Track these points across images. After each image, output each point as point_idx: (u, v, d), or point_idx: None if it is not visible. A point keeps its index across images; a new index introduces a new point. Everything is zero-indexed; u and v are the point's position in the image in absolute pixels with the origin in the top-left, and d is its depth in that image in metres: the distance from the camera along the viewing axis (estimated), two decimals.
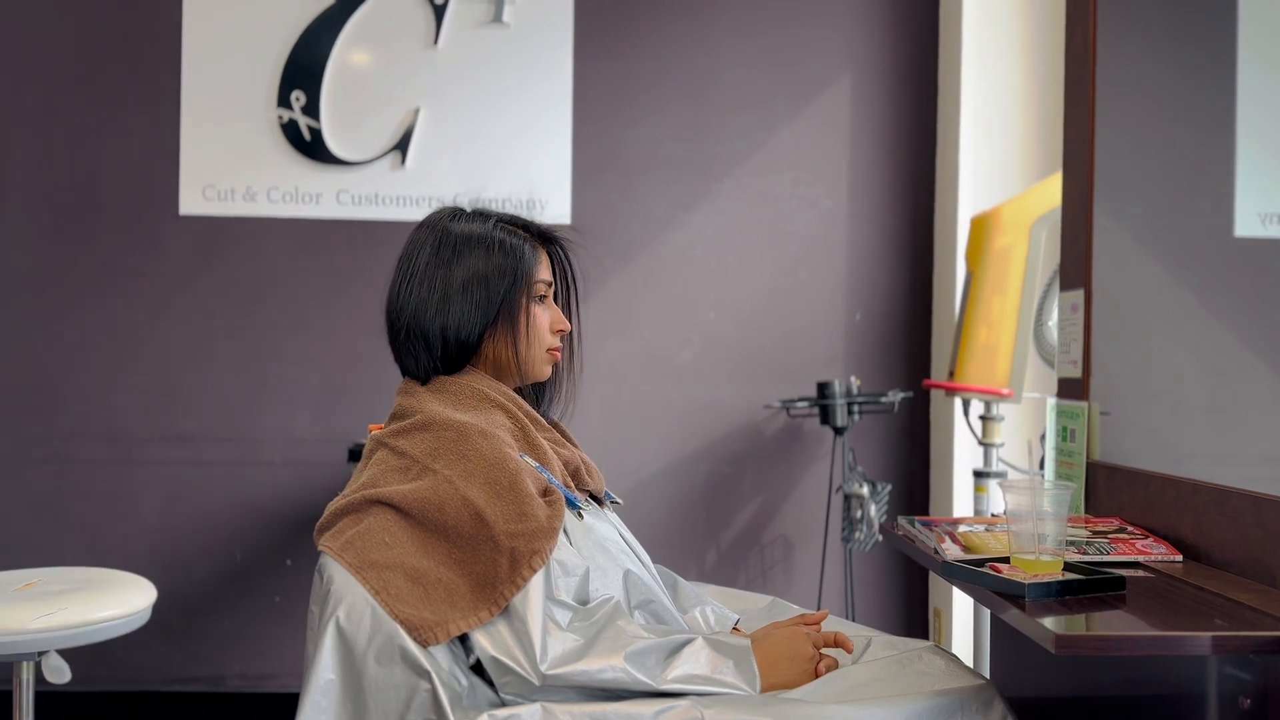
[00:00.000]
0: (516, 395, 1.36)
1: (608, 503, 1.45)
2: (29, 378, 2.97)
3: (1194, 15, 1.76)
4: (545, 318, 1.39)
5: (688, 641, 1.19)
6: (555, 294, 1.45)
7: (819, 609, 2.93)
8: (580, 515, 1.30)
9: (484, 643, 1.14)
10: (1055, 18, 2.86)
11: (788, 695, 1.18)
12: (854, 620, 2.94)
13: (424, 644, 1.12)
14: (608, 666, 1.13)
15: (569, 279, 1.48)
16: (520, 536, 1.16)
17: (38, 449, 2.97)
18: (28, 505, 2.97)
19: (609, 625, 1.17)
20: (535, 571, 1.15)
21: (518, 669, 1.12)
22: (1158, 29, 1.74)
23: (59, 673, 1.87)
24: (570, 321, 1.45)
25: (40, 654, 1.86)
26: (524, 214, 1.48)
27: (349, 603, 1.15)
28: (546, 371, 1.42)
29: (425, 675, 1.11)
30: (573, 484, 1.36)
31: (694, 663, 1.17)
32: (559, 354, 1.43)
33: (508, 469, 1.21)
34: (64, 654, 1.88)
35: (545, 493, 1.24)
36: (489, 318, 1.33)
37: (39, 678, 1.90)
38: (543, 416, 1.42)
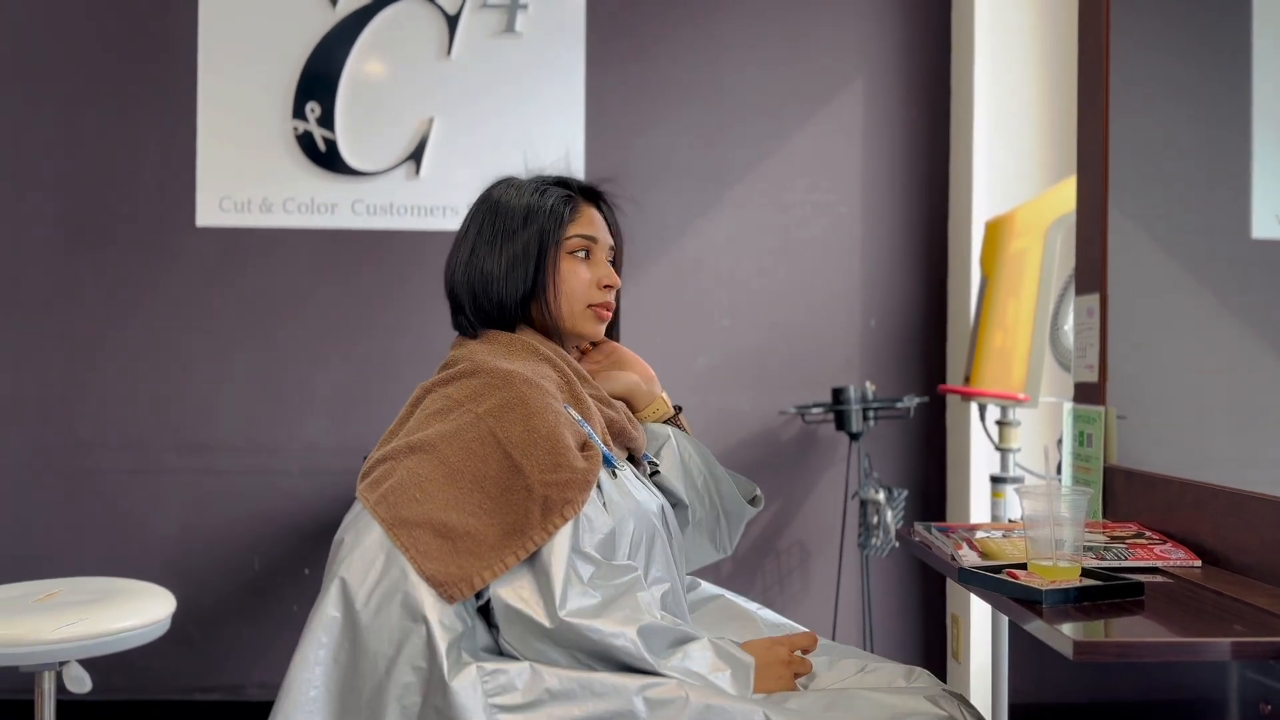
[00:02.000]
0: (564, 352, 1.38)
1: (645, 463, 1.44)
2: (47, 388, 3.00)
3: (1208, 14, 1.75)
4: (584, 273, 1.38)
5: (696, 638, 1.20)
6: (616, 253, 1.45)
7: (835, 616, 2.93)
8: (614, 474, 1.29)
9: (500, 591, 1.14)
10: (1068, 19, 2.85)
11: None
12: (872, 629, 2.93)
13: (450, 600, 1.13)
14: (620, 633, 1.13)
15: (615, 233, 1.47)
16: (554, 485, 1.17)
17: (56, 459, 3.00)
18: (47, 515, 2.99)
19: (628, 593, 1.18)
20: (566, 520, 1.16)
21: (530, 614, 1.13)
22: (1171, 29, 1.73)
23: (80, 682, 1.89)
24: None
25: (61, 664, 1.88)
26: None
27: (364, 545, 1.17)
28: (595, 329, 1.41)
29: (422, 620, 1.11)
30: (612, 443, 1.35)
31: (697, 660, 1.18)
32: (607, 310, 1.41)
33: (547, 419, 1.22)
34: (84, 664, 1.90)
35: (583, 446, 1.24)
36: (525, 280, 1.36)
37: (60, 687, 1.92)
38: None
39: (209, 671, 3.00)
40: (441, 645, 1.10)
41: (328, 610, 1.15)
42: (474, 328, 1.38)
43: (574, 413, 1.30)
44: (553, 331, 1.38)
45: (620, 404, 1.42)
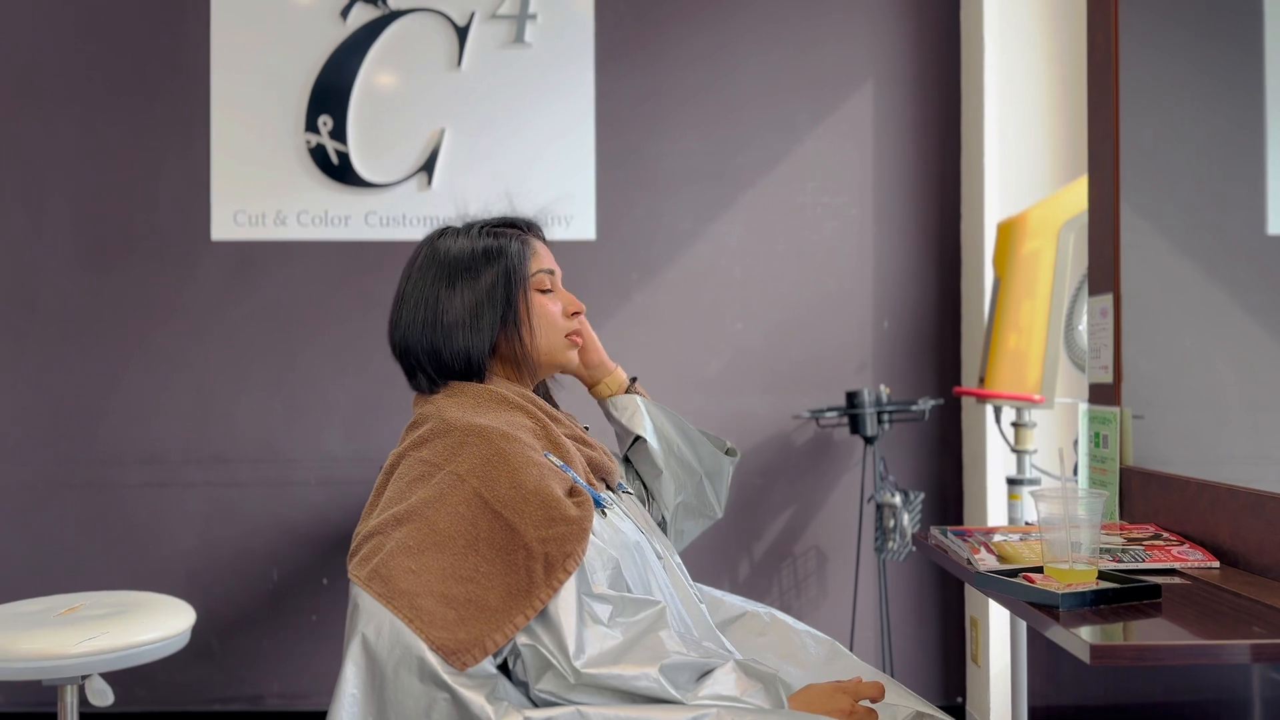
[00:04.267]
0: (534, 395, 1.37)
1: (620, 491, 1.44)
2: (67, 403, 3.03)
3: (1218, 12, 1.74)
4: (555, 305, 1.41)
5: (720, 663, 1.19)
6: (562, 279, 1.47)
7: (853, 620, 2.91)
8: (604, 513, 1.29)
9: (523, 641, 1.14)
10: (1077, 18, 2.85)
11: None
12: (890, 633, 2.92)
13: (462, 668, 1.11)
14: (642, 675, 1.13)
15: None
16: (553, 541, 1.16)
17: (77, 474, 3.02)
18: (68, 529, 3.02)
19: (650, 633, 1.17)
20: (570, 574, 1.15)
21: (555, 663, 1.12)
22: (1181, 26, 1.72)
23: (102, 695, 1.91)
24: None
25: (84, 677, 1.89)
26: (550, 229, 1.49)
27: (376, 619, 1.16)
28: (571, 357, 1.43)
29: (444, 687, 1.11)
30: (595, 482, 1.36)
31: (724, 684, 1.17)
32: (579, 337, 1.44)
33: (532, 472, 1.21)
34: (106, 677, 1.92)
35: (571, 493, 1.24)
36: (494, 324, 1.35)
37: (83, 700, 1.94)
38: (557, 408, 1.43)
39: (229, 682, 3.02)
40: (475, 705, 1.10)
41: (347, 688, 1.14)
42: (435, 385, 1.36)
43: (554, 459, 1.29)
44: (525, 369, 1.38)
45: (596, 441, 1.43)
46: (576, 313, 1.42)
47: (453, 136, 3.03)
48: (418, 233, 3.02)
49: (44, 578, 2.95)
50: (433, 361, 1.35)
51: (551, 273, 1.42)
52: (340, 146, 3.02)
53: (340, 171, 3.03)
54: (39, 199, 3.04)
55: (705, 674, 1.18)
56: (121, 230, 3.04)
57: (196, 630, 2.07)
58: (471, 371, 1.35)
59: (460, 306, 1.34)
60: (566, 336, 1.41)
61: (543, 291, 1.40)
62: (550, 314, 1.39)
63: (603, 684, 1.12)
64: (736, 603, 1.56)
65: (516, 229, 1.42)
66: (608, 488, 1.41)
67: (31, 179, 3.04)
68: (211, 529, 3.03)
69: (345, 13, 3.02)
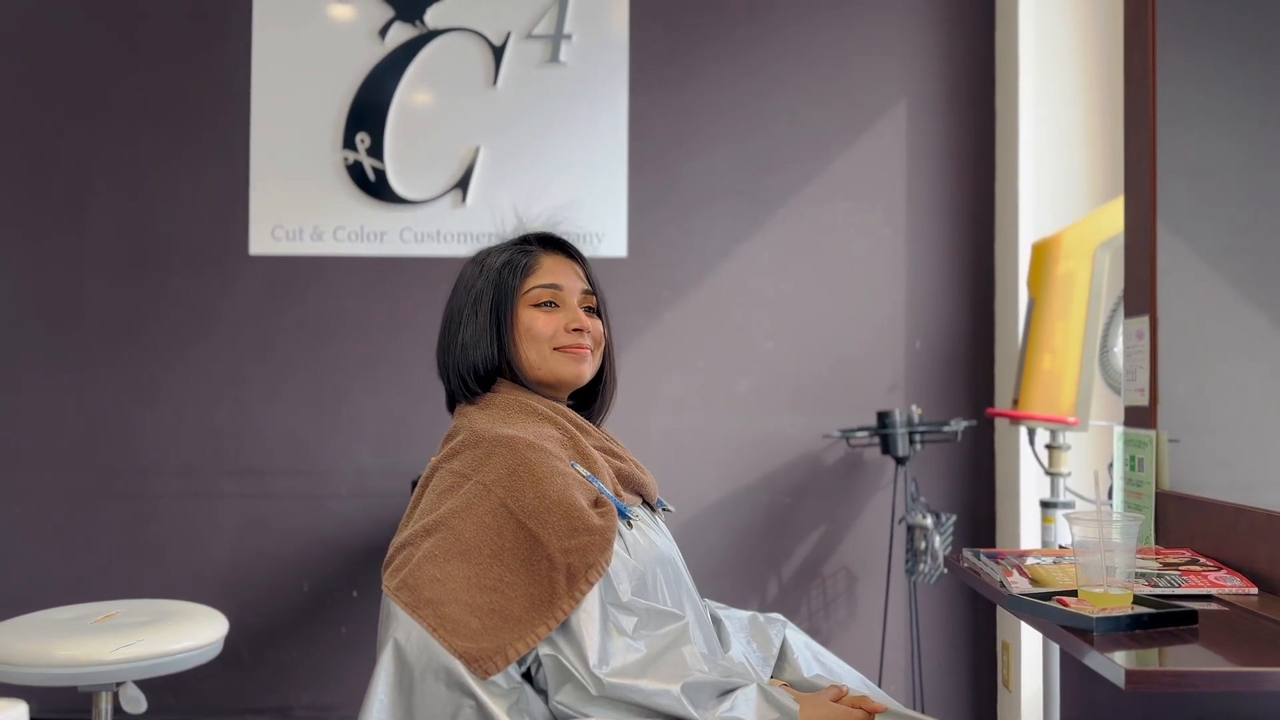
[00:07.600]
0: (564, 407, 1.38)
1: (660, 510, 1.45)
2: (105, 414, 3.08)
3: (1255, 31, 1.73)
4: (545, 319, 1.37)
5: (743, 685, 1.19)
6: (596, 302, 1.44)
7: (883, 643, 2.89)
8: (629, 524, 1.30)
9: (545, 651, 1.15)
10: (1114, 39, 2.83)
11: None
12: (920, 656, 2.89)
13: (484, 675, 1.13)
14: (663, 691, 1.13)
15: (589, 279, 1.45)
16: (575, 552, 1.17)
17: (114, 484, 3.07)
18: (105, 538, 3.06)
19: (673, 649, 1.17)
20: (592, 585, 1.16)
21: (576, 674, 1.13)
22: (1219, 44, 1.71)
23: (135, 703, 1.93)
24: (588, 319, 1.41)
25: (118, 684, 1.92)
26: (582, 246, 1.50)
27: (406, 626, 1.18)
28: (571, 369, 1.38)
29: (470, 694, 1.13)
30: (623, 492, 1.36)
31: (744, 707, 1.16)
32: (580, 350, 1.38)
33: (556, 482, 1.22)
34: (140, 684, 1.94)
35: (596, 503, 1.24)
36: (491, 344, 1.37)
37: (116, 707, 1.96)
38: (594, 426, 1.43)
39: (259, 692, 3.04)
40: (498, 716, 1.11)
41: (377, 694, 1.17)
42: (460, 398, 1.40)
43: (581, 469, 1.29)
44: (533, 387, 1.37)
45: (626, 451, 1.42)
46: (578, 329, 1.38)
47: (487, 154, 3.06)
48: (452, 248, 3.05)
49: (80, 585, 2.99)
50: (459, 384, 1.38)
51: (555, 287, 1.39)
52: (377, 163, 3.06)
53: (377, 188, 3.07)
54: (81, 212, 3.10)
55: (726, 693, 1.18)
56: (161, 244, 3.10)
57: (228, 639, 2.09)
58: (486, 387, 1.38)
59: (466, 323, 1.38)
60: (558, 350, 1.37)
61: (541, 308, 1.38)
62: (534, 327, 1.36)
63: (622, 696, 1.13)
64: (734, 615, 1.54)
65: (527, 244, 1.43)
66: (645, 503, 1.41)
67: (75, 192, 3.10)
68: (244, 540, 3.06)
69: (384, 32, 3.07)
